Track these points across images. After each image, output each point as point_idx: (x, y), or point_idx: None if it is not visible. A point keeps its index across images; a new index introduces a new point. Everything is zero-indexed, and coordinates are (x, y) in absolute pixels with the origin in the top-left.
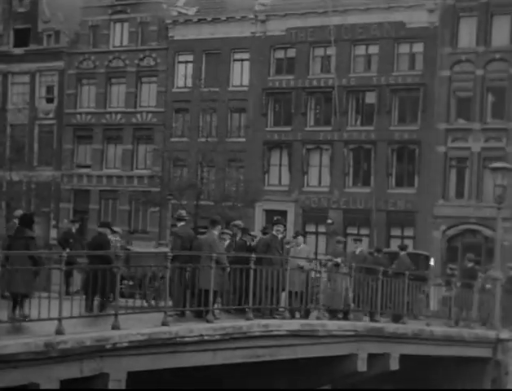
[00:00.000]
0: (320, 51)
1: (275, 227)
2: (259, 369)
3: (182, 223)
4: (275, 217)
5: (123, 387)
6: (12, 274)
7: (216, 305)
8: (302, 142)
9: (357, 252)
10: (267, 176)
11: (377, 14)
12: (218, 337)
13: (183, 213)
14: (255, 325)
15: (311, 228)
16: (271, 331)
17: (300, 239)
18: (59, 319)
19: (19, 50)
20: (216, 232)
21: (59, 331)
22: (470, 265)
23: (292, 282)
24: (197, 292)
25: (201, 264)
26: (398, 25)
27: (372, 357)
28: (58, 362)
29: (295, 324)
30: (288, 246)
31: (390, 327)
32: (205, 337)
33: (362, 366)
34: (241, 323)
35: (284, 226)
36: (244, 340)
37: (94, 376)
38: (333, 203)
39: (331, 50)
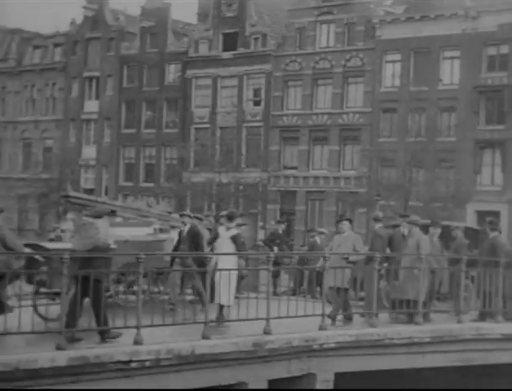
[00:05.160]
0: None
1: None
2: (469, 372)
3: (379, 224)
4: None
5: (331, 387)
6: None
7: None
8: None
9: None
10: (478, 176)
11: None
12: (427, 340)
13: (380, 214)
14: (467, 328)
15: None
16: (484, 334)
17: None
18: (267, 319)
19: (227, 54)
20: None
21: (266, 331)
22: None
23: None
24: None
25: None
26: None
27: None
28: (266, 362)
29: (509, 327)
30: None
31: None
32: (415, 339)
33: None
34: (452, 326)
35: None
36: (456, 343)
37: (301, 376)
38: None
39: None
